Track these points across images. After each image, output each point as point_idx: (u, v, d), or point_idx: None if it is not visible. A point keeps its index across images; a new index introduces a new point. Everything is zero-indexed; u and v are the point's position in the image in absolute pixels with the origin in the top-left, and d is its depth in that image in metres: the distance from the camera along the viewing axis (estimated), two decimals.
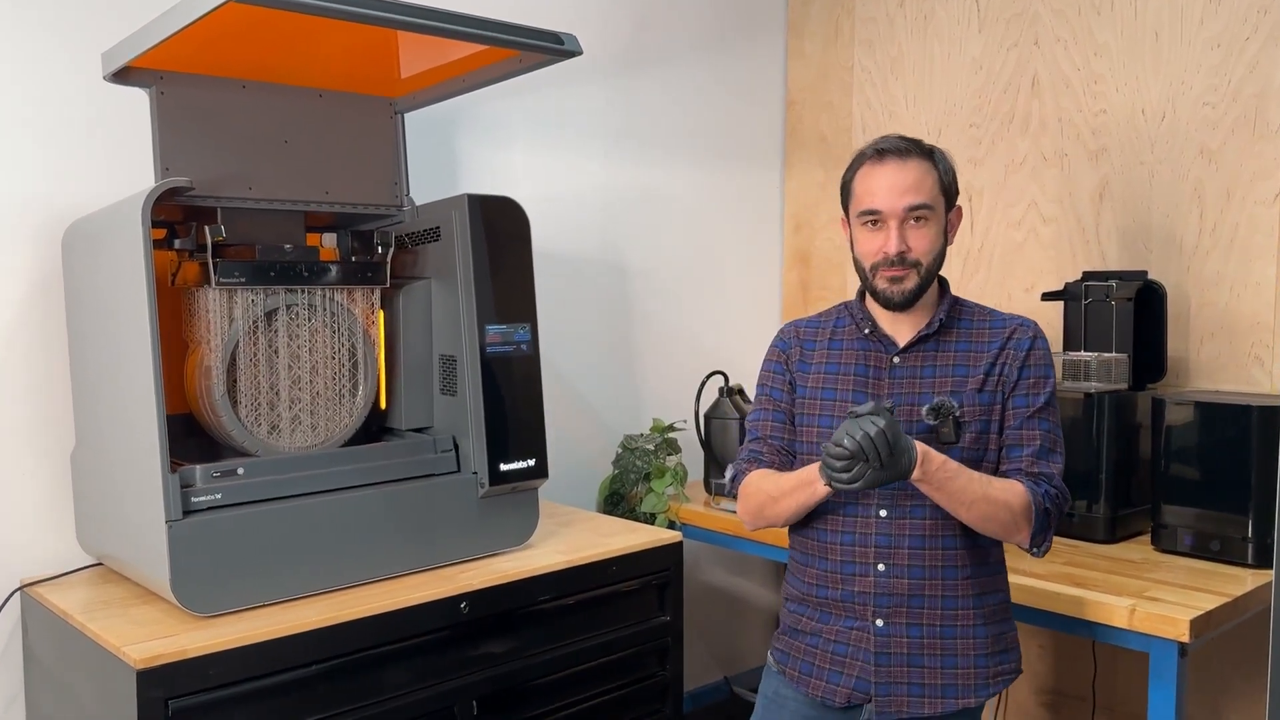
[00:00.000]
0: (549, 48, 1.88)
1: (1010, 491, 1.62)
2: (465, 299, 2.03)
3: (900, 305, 1.70)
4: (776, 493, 1.71)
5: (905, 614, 1.67)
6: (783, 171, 3.51)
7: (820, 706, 1.73)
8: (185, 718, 1.61)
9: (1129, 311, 2.46)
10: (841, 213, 1.80)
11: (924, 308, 1.73)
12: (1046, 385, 1.71)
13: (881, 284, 1.69)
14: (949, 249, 1.75)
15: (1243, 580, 2.05)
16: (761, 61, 3.42)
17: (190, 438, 1.98)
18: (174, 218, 1.92)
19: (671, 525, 2.71)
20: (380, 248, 2.07)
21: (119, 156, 2.11)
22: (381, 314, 2.11)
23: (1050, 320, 2.53)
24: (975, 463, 1.67)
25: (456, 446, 2.07)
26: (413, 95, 2.15)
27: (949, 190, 1.71)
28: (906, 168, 1.67)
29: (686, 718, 2.66)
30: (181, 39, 1.63)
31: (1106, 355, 2.44)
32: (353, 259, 2.09)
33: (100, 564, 2.04)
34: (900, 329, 1.74)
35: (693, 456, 2.91)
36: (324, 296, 2.01)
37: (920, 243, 1.67)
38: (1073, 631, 2.02)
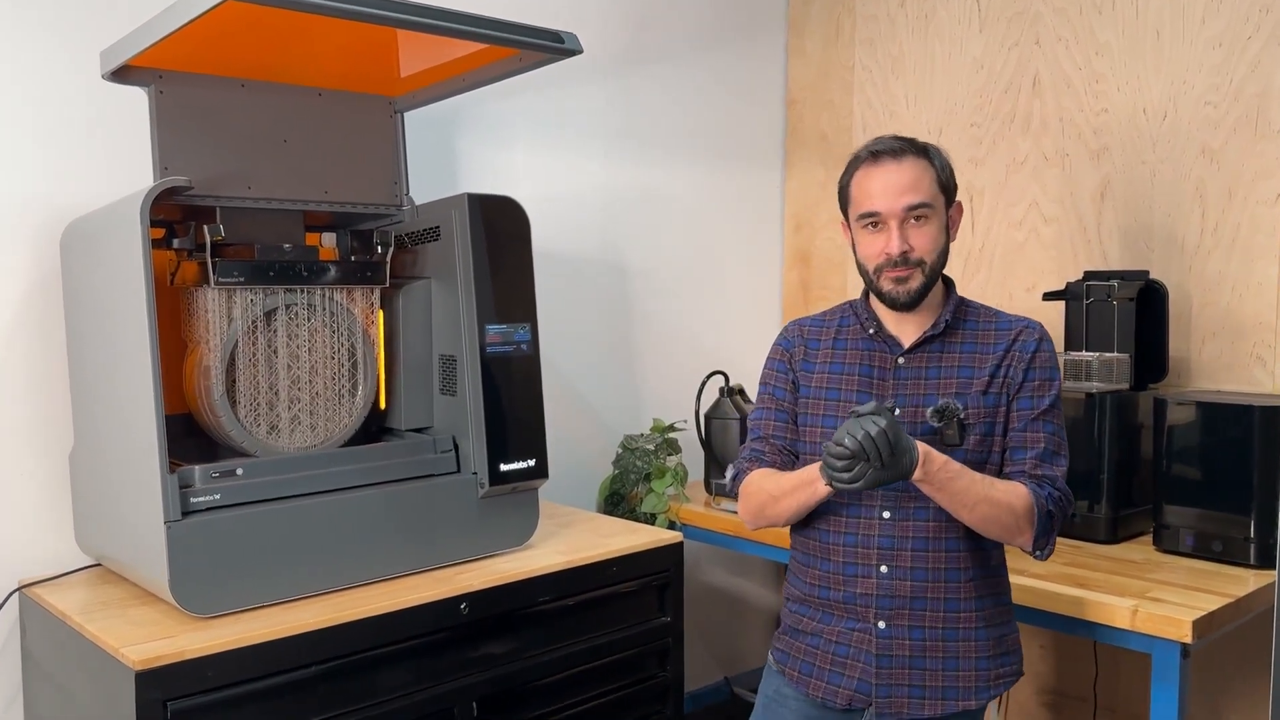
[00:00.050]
0: (549, 46, 1.87)
1: (1013, 493, 1.61)
2: (465, 299, 2.03)
3: (906, 305, 1.69)
4: (777, 492, 1.71)
5: (907, 616, 1.66)
6: (783, 171, 3.50)
7: (821, 707, 1.72)
8: (184, 719, 1.60)
9: (1130, 311, 2.45)
10: (841, 217, 1.79)
11: (929, 308, 1.72)
12: (1052, 388, 1.70)
13: (886, 285, 1.68)
14: (952, 246, 1.74)
15: (1245, 581, 2.04)
16: (762, 60, 3.41)
17: (189, 438, 1.98)
18: (173, 217, 1.92)
19: (672, 526, 2.70)
20: (380, 247, 2.06)
21: (119, 156, 2.10)
22: (381, 314, 2.10)
23: (1052, 320, 2.52)
24: (980, 465, 1.66)
25: (456, 447, 2.07)
26: (412, 94, 2.15)
27: (947, 186, 1.70)
28: (902, 167, 1.66)
29: (687, 718, 2.66)
30: (180, 37, 1.63)
31: (1108, 355, 2.43)
32: (352, 258, 2.09)
33: (99, 565, 2.03)
34: (905, 329, 1.73)
35: (693, 457, 2.91)
36: (323, 296, 2.00)
37: (922, 241, 1.66)
38: (1074, 632, 2.02)
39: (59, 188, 2.06)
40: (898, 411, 1.67)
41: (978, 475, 1.61)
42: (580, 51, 1.91)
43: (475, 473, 2.04)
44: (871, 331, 1.74)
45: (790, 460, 1.78)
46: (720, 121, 3.29)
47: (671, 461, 2.84)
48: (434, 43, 1.85)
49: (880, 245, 1.67)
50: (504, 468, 2.04)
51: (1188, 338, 2.58)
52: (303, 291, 1.97)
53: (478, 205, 2.03)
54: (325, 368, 2.01)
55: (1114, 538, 2.33)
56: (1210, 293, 2.55)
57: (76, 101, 2.08)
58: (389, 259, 2.07)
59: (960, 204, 1.74)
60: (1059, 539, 2.25)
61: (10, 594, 1.98)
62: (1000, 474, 1.69)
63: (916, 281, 1.67)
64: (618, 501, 2.88)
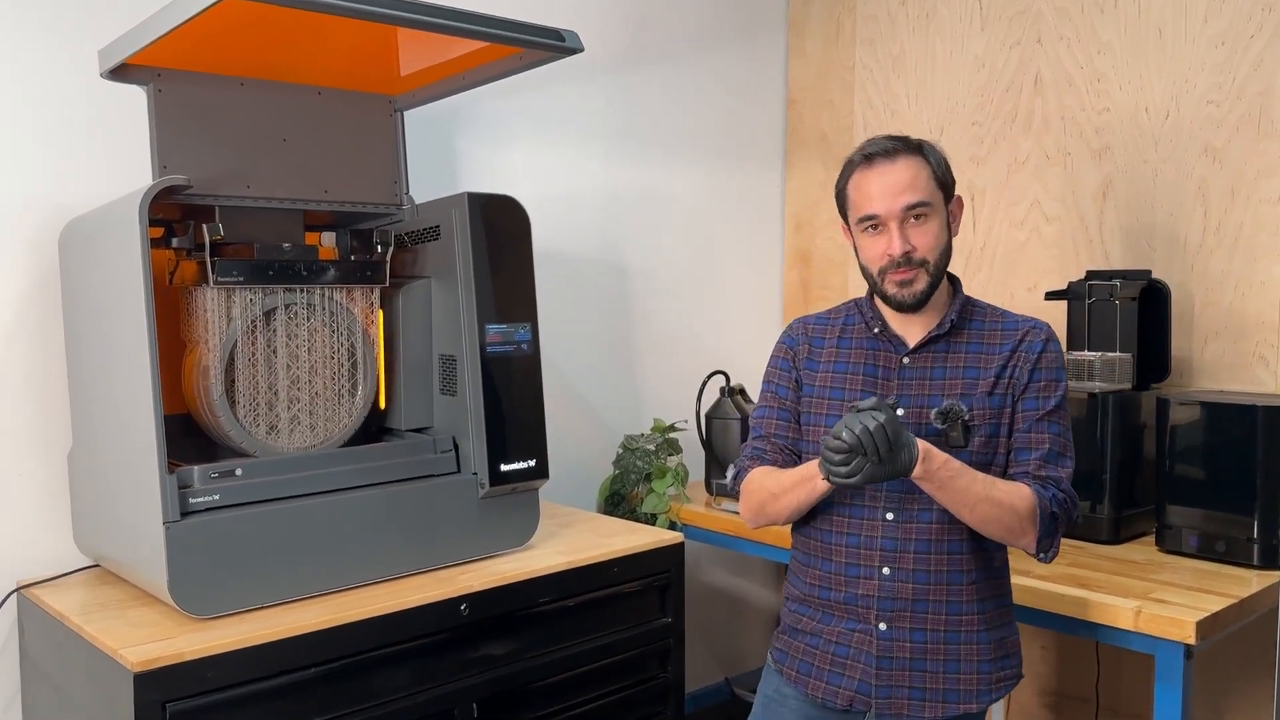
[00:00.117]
0: (550, 44, 1.87)
1: (1016, 494, 1.60)
2: (465, 298, 2.02)
3: (912, 307, 1.68)
4: (777, 489, 1.70)
5: (909, 618, 1.65)
6: (784, 170, 3.50)
7: (821, 707, 1.71)
8: None
9: (1133, 311, 2.45)
10: (842, 221, 1.78)
11: (935, 308, 1.71)
12: (1058, 389, 1.68)
13: (891, 289, 1.67)
14: (955, 242, 1.72)
15: (1248, 581, 2.03)
16: (762, 60, 3.41)
17: (188, 438, 1.97)
18: (172, 216, 1.91)
19: (672, 526, 2.69)
20: (380, 247, 2.06)
21: (118, 156, 2.10)
22: (381, 313, 2.09)
23: (1054, 320, 2.50)
24: (985, 466, 1.64)
25: (456, 447, 2.06)
26: (412, 93, 2.14)
27: (944, 182, 1.68)
28: (897, 167, 1.64)
29: (687, 719, 2.65)
30: (179, 35, 1.62)
31: (1110, 355, 2.42)
32: (352, 258, 2.08)
33: (97, 565, 2.03)
34: (911, 329, 1.72)
35: (694, 457, 2.90)
36: (323, 296, 2.00)
37: (924, 240, 1.65)
38: (1077, 633, 2.01)
39: (58, 187, 2.06)
40: (900, 411, 1.66)
41: (979, 474, 1.59)
42: (581, 50, 1.90)
43: (475, 473, 2.03)
44: (876, 330, 1.73)
45: (792, 459, 1.77)
46: (720, 121, 3.29)
47: (672, 462, 2.84)
48: (434, 41, 1.84)
49: (881, 247, 1.66)
50: (504, 468, 2.03)
51: (1190, 337, 2.57)
52: (302, 291, 1.96)
53: (478, 204, 2.03)
54: (325, 368, 2.01)
55: (1116, 538, 2.32)
56: (1213, 292, 2.54)
57: (76, 101, 2.07)
58: (389, 258, 2.06)
59: (960, 198, 1.72)
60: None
61: (8, 595, 1.97)
62: (1004, 475, 1.67)
63: (922, 284, 1.65)
64: (618, 502, 2.87)
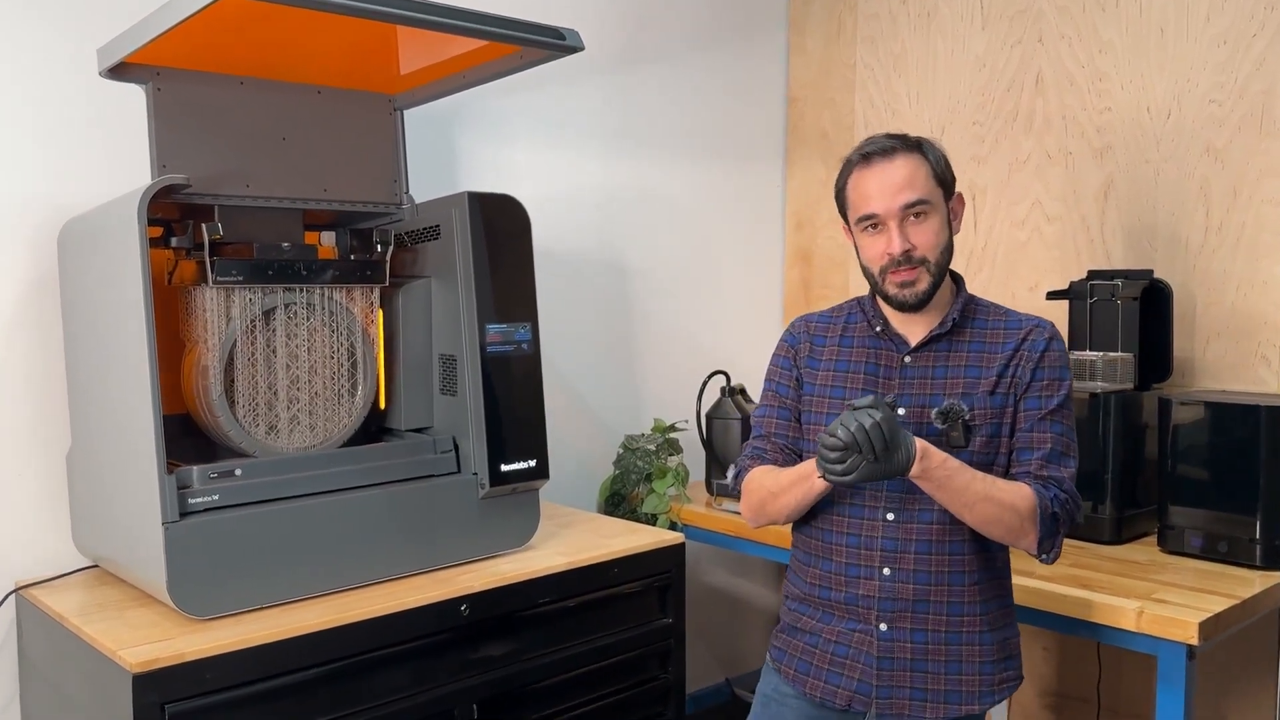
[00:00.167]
0: (550, 43, 1.86)
1: (1017, 494, 1.59)
2: (465, 298, 2.01)
3: (915, 307, 1.67)
4: (776, 488, 1.69)
5: (910, 619, 1.64)
6: (784, 169, 3.49)
7: (821, 707, 1.71)
8: None
9: (1134, 311, 2.44)
10: (842, 221, 1.77)
11: (937, 306, 1.70)
12: (1061, 388, 1.67)
13: (892, 289, 1.66)
14: (956, 241, 1.71)
15: (1251, 582, 2.03)
16: (762, 59, 3.40)
17: (187, 438, 1.96)
18: (171, 215, 1.90)
19: (673, 526, 2.69)
20: (379, 246, 2.05)
21: (118, 155, 2.09)
22: (381, 313, 2.09)
23: (1055, 320, 2.50)
24: (986, 466, 1.63)
25: (456, 447, 2.05)
26: (412, 92, 2.13)
27: (944, 180, 1.67)
28: (895, 166, 1.63)
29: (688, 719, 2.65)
30: (178, 34, 1.61)
31: (1112, 355, 2.42)
32: (351, 257, 2.07)
33: (96, 566, 2.02)
34: (913, 328, 1.71)
35: (694, 457, 2.90)
36: (322, 295, 1.99)
37: (924, 238, 1.64)
38: (1079, 634, 2.00)
39: (58, 187, 2.05)
40: (901, 410, 1.65)
41: (979, 474, 1.58)
42: (581, 48, 1.90)
43: (475, 473, 2.02)
44: (878, 329, 1.72)
45: (793, 458, 1.76)
46: (720, 120, 3.28)
47: (672, 462, 2.83)
48: (434, 39, 1.84)
49: (881, 247, 1.65)
50: (504, 468, 2.03)
51: (1192, 337, 2.57)
52: (302, 291, 1.96)
53: (478, 204, 2.02)
54: (324, 367, 2.00)
55: (1118, 538, 2.31)
56: (1215, 292, 2.53)
57: (75, 101, 2.07)
58: (389, 258, 2.06)
59: (961, 196, 1.71)
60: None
61: (7, 595, 1.97)
62: (1006, 476, 1.66)
63: (924, 283, 1.65)
64: (618, 502, 2.87)
